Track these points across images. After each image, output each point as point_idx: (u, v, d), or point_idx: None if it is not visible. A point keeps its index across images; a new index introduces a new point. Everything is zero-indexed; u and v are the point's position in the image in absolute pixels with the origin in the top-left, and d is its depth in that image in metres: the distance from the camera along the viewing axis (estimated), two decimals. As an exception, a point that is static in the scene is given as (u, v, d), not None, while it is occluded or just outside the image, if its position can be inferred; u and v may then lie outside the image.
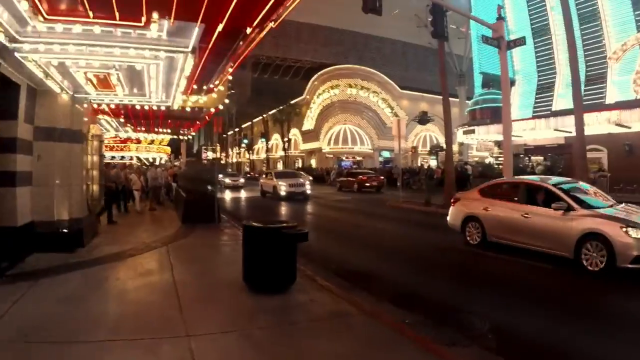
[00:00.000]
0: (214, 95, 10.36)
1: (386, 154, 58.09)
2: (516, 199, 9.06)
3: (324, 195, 26.65)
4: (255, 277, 5.92)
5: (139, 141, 43.93)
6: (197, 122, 15.62)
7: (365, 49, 65.33)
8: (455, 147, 55.83)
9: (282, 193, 22.20)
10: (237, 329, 4.66)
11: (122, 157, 44.96)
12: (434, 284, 7.15)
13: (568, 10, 14.47)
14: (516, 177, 12.71)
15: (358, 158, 55.80)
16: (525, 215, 8.50)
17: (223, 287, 6.18)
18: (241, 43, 6.84)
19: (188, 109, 10.84)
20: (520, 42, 15.75)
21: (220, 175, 45.40)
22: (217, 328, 4.68)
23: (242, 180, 37.41)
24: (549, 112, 25.43)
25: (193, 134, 24.79)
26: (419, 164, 44.27)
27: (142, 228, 11.87)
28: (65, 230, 8.70)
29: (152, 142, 45.15)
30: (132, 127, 16.93)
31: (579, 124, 12.51)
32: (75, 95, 8.99)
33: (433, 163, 50.90)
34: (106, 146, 45.58)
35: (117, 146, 46.68)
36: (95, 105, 11.02)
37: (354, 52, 64.61)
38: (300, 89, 60.60)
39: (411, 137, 52.36)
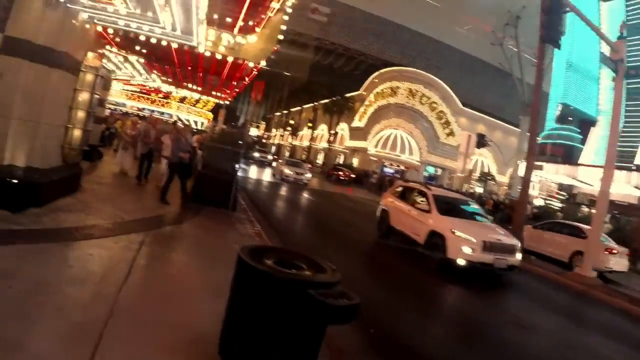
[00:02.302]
0: (253, 37, 7.54)
1: (431, 170, 54.24)
2: None
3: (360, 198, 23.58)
4: (240, 357, 3.11)
5: (182, 99, 41.91)
6: (234, 83, 12.96)
7: (434, 56, 61.04)
8: (505, 179, 51.78)
9: None
10: None
11: (162, 114, 43.13)
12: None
13: None
14: None
15: (401, 167, 52.27)
16: None
17: (185, 351, 3.42)
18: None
19: (219, 57, 8.24)
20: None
21: (270, 157, 41.78)
22: None
23: (308, 175, 26.71)
24: (633, 165, 22.00)
25: (230, 99, 21.57)
26: (466, 190, 40.45)
27: (132, 197, 9.37)
28: (15, 181, 6.34)
29: (196, 102, 42.92)
30: (158, 74, 14.47)
31: None
32: (67, 4, 6.58)
33: (479, 191, 47.06)
34: (148, 99, 43.77)
35: (159, 100, 44.82)
36: (99, 28, 8.60)
37: (422, 56, 60.61)
38: (358, 83, 57.45)
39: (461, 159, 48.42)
